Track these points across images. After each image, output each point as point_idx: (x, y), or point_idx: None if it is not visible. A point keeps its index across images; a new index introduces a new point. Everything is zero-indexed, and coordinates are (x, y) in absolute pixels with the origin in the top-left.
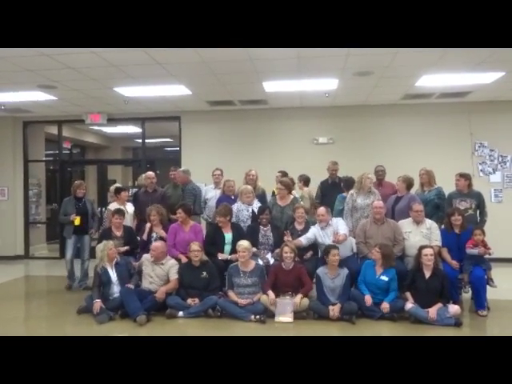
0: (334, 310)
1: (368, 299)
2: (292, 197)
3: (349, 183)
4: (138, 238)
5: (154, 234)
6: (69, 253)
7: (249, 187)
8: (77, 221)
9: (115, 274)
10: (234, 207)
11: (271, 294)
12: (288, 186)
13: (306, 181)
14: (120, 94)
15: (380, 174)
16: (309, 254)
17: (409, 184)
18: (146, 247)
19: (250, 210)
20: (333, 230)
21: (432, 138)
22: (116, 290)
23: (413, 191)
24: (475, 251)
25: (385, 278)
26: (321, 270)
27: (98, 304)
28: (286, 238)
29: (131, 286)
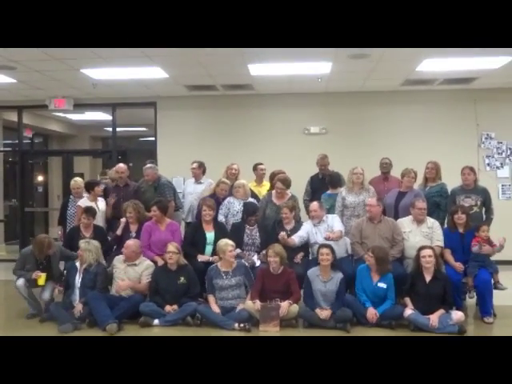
0: (323, 313)
1: (371, 314)
2: (290, 194)
3: (334, 179)
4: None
5: (132, 233)
6: (20, 279)
7: (242, 182)
8: (41, 280)
9: (80, 279)
10: (225, 200)
11: (258, 303)
12: (287, 183)
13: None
14: (88, 76)
15: (385, 166)
16: (299, 256)
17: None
18: (120, 244)
19: (242, 205)
20: (327, 227)
21: (434, 129)
22: (78, 297)
23: (415, 186)
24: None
25: (383, 285)
26: (312, 272)
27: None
28: (280, 237)
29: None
